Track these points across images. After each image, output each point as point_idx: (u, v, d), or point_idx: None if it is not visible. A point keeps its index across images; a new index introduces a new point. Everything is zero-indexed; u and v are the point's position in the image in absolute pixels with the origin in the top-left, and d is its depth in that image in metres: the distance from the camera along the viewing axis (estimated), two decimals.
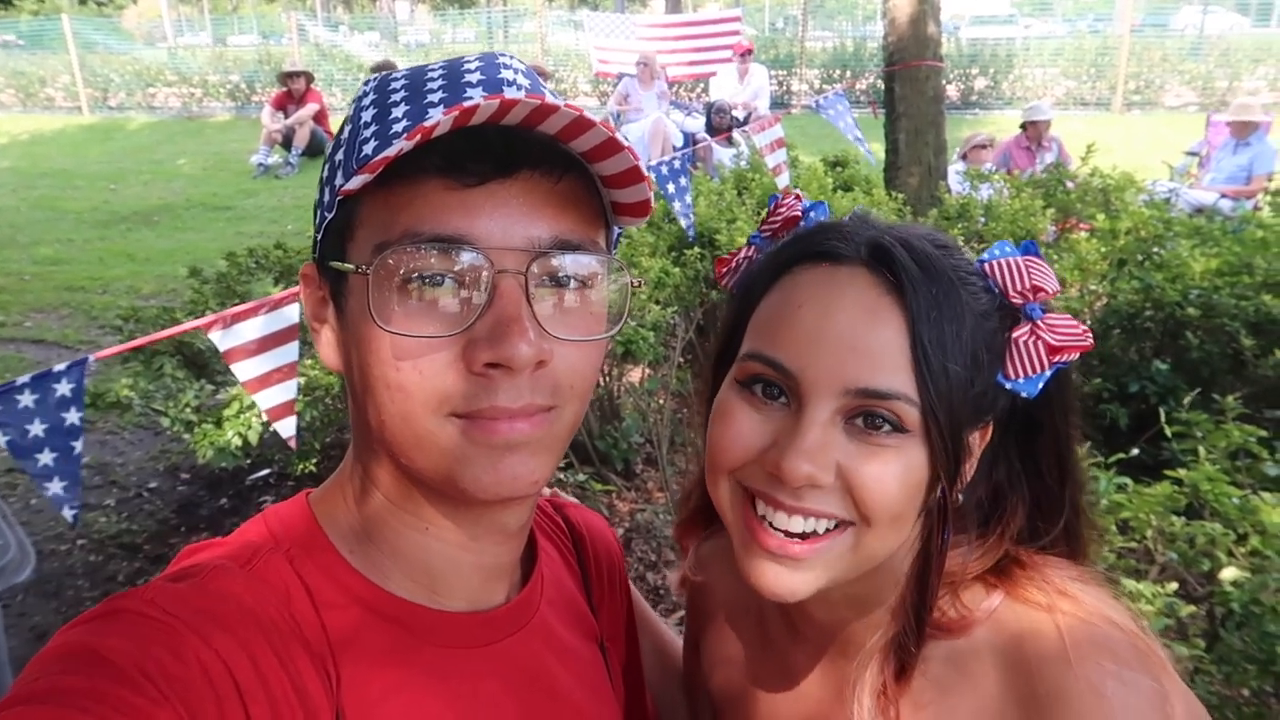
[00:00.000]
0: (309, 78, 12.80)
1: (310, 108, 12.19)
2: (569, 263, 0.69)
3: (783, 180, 4.85)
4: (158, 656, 0.60)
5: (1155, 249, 3.94)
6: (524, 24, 22.04)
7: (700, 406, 0.93)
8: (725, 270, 0.91)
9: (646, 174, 0.71)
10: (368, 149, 0.68)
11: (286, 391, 2.58)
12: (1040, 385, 0.77)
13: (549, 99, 0.63)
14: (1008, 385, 0.77)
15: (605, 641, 0.96)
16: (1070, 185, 5.31)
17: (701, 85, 15.17)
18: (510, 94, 0.68)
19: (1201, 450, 2.17)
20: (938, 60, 5.99)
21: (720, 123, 9.93)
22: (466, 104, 0.61)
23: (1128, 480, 2.08)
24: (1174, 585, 1.86)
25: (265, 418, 2.66)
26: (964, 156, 8.14)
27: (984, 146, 8.23)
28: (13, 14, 20.07)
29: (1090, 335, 0.78)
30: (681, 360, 4.31)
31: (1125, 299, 3.63)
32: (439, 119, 0.61)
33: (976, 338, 0.75)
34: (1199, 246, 3.80)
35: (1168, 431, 2.32)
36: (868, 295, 0.74)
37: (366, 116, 0.71)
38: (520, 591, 0.84)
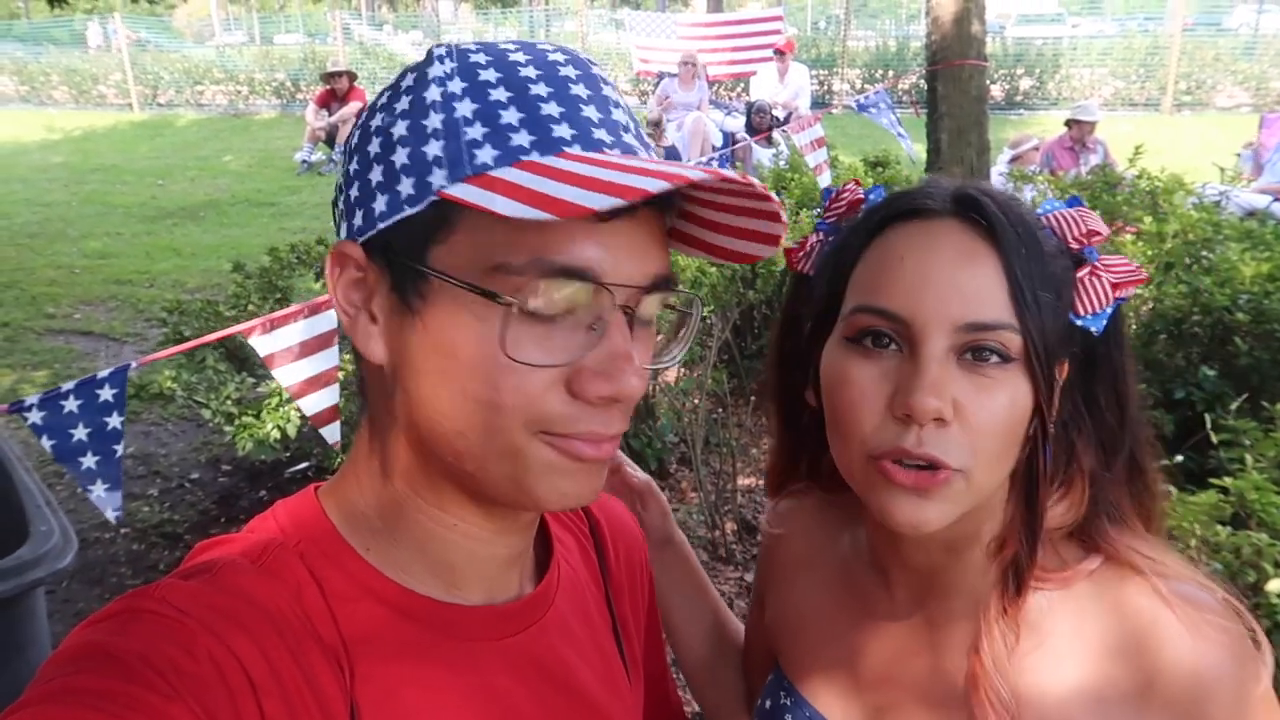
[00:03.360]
0: (351, 76, 12.97)
1: (353, 105, 12.34)
2: (663, 298, 0.71)
3: (824, 179, 4.82)
4: (170, 654, 0.61)
5: (1204, 252, 3.84)
6: (565, 23, 22.15)
7: (769, 380, 1.02)
8: (799, 256, 0.97)
9: (780, 234, 0.70)
10: (484, 156, 0.66)
11: (330, 396, 2.59)
12: (1104, 322, 0.84)
13: (758, 186, 0.65)
14: (1079, 323, 0.84)
15: (623, 632, 0.95)
16: (1119, 188, 5.21)
17: (742, 85, 15.13)
18: (617, 116, 0.71)
19: (1249, 458, 2.12)
20: (981, 59, 5.91)
21: (760, 122, 9.89)
22: (691, 175, 0.62)
23: (1172, 488, 2.04)
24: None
25: (310, 424, 2.68)
26: (1016, 159, 7.99)
27: (1037, 149, 8.10)
28: (67, 13, 20.54)
29: (1143, 270, 0.85)
30: (717, 360, 4.30)
31: (1172, 303, 3.55)
32: (662, 186, 0.60)
33: (1056, 273, 0.82)
34: (1249, 250, 3.70)
35: (1214, 438, 2.27)
36: (963, 240, 0.81)
37: (464, 110, 0.68)
38: (536, 584, 0.84)
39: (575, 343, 0.67)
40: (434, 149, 0.68)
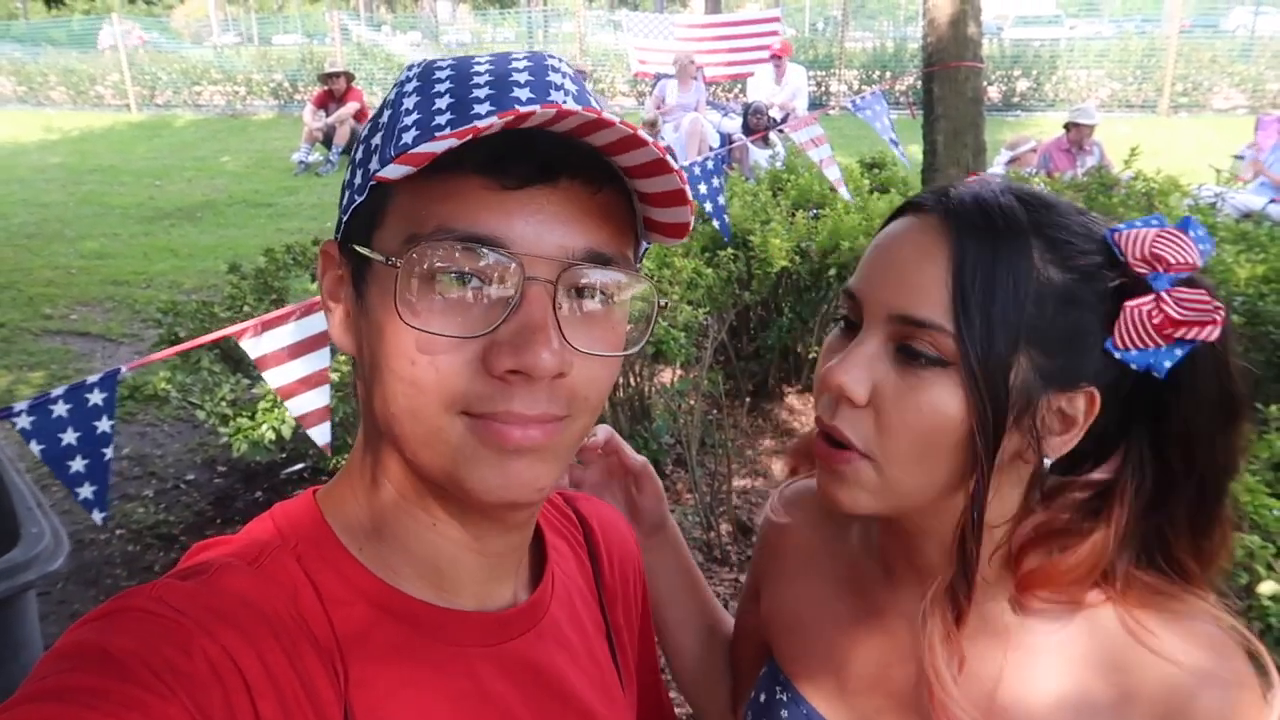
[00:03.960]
0: (349, 77, 12.96)
1: (351, 106, 12.34)
2: (599, 276, 0.69)
3: (833, 173, 4.79)
4: (165, 653, 0.60)
5: None
6: (563, 24, 22.16)
7: None
8: None
9: (692, 199, 0.70)
10: (408, 138, 0.68)
11: (321, 397, 2.58)
12: (1168, 363, 0.76)
13: (606, 114, 0.62)
14: (1117, 355, 0.78)
15: (616, 639, 0.95)
16: (1115, 190, 5.21)
17: (739, 86, 15.13)
18: (558, 99, 0.69)
19: (1241, 461, 2.12)
20: (978, 61, 5.91)
21: (757, 123, 9.89)
22: (522, 109, 0.60)
23: None
24: (1210, 597, 1.82)
25: (300, 425, 2.66)
26: (1015, 159, 7.98)
27: (1034, 150, 8.11)
28: (64, 13, 20.54)
29: (1220, 312, 0.75)
30: (713, 362, 4.30)
31: None
32: (493, 121, 0.60)
33: (1052, 292, 0.77)
34: (1245, 252, 3.71)
35: None
36: (925, 237, 0.81)
37: (408, 104, 0.70)
38: (531, 591, 0.84)
39: (489, 316, 0.66)
40: (376, 140, 0.71)
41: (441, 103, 0.68)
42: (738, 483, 4.16)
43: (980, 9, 5.90)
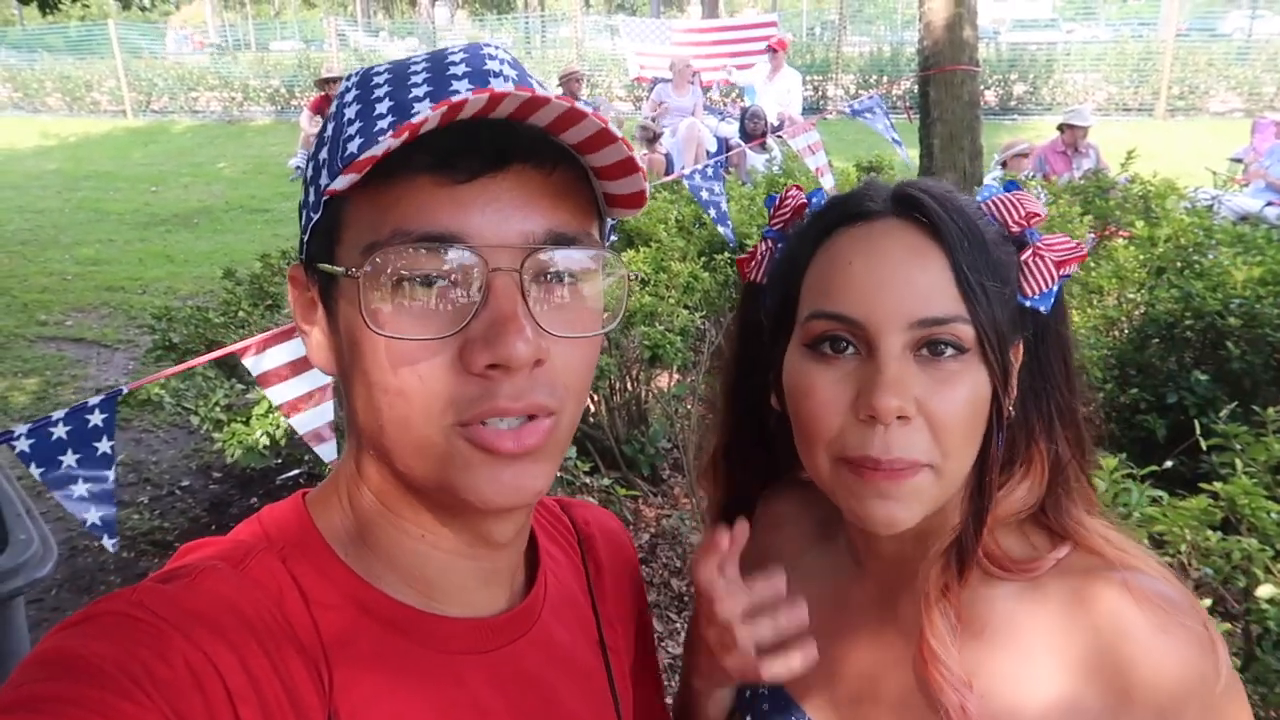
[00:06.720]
0: None
1: None
2: (563, 257, 0.68)
3: (827, 181, 4.81)
4: (143, 659, 0.59)
5: (1196, 257, 3.85)
6: (560, 29, 22.21)
7: (725, 387, 1.04)
8: (750, 266, 0.98)
9: (641, 165, 0.69)
10: (352, 147, 0.67)
11: (324, 414, 2.55)
12: (1053, 300, 0.86)
13: (539, 91, 0.61)
14: (1027, 304, 0.85)
15: (611, 647, 0.93)
16: (1111, 193, 5.21)
17: (736, 90, 15.15)
18: (498, 86, 0.67)
19: (1239, 463, 2.11)
20: (974, 65, 5.92)
21: (754, 128, 9.89)
22: (454, 99, 0.59)
23: (1163, 494, 2.03)
24: (1208, 602, 1.81)
25: (306, 443, 2.62)
26: (1004, 164, 8.01)
27: (1025, 155, 8.09)
28: (61, 19, 20.55)
29: (1083, 246, 0.87)
30: (710, 366, 4.28)
31: (1164, 308, 3.55)
32: (427, 114, 0.59)
33: (1001, 259, 0.84)
34: (1241, 255, 3.71)
35: (1203, 444, 2.26)
36: (907, 238, 0.83)
37: (350, 113, 0.69)
38: (523, 598, 0.83)
39: (459, 313, 0.65)
40: (324, 155, 0.70)
41: (382, 107, 0.67)
42: None
43: (976, 13, 5.92)
